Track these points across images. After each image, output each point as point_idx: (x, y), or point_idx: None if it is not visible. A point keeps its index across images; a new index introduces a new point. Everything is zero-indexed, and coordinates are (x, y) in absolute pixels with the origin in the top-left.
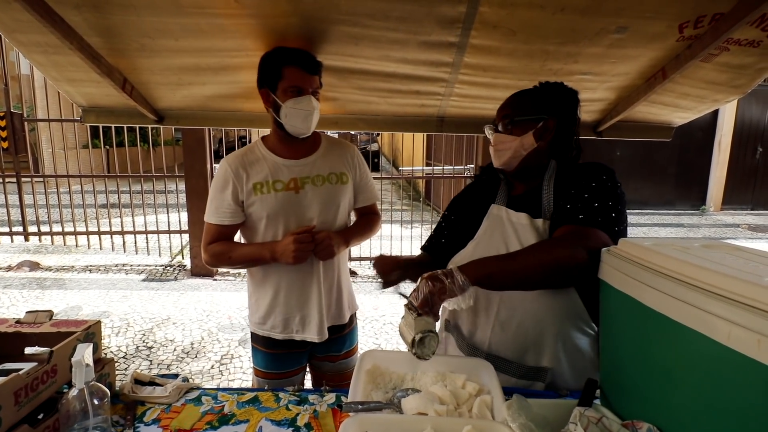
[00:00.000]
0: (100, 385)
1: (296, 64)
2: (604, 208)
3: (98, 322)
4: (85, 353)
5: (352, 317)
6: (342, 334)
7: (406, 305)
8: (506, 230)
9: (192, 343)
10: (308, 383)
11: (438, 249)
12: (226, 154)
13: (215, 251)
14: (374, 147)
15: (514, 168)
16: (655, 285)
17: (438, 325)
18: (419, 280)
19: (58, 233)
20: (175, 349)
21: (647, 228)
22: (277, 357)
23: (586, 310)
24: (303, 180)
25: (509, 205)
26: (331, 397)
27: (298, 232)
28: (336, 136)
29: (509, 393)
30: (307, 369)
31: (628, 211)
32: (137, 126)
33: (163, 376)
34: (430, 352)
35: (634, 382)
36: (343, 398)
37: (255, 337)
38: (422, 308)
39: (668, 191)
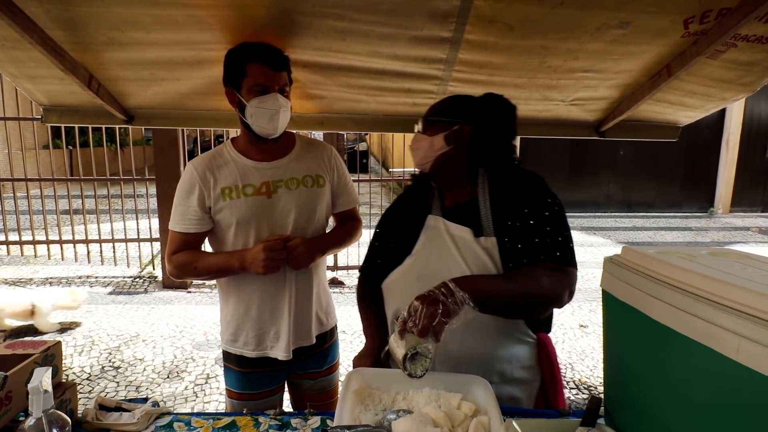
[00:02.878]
0: (60, 413)
1: (260, 60)
2: (567, 240)
3: (58, 343)
4: (42, 378)
5: (333, 330)
6: (322, 348)
7: (396, 318)
8: (446, 243)
9: (164, 363)
10: (287, 403)
11: (375, 271)
12: (187, 163)
13: (180, 261)
14: (362, 147)
15: (428, 170)
16: (660, 296)
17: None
18: (413, 303)
19: (14, 242)
20: (144, 369)
21: (653, 232)
22: (251, 376)
23: (523, 321)
24: (276, 184)
25: (445, 217)
26: (315, 421)
27: (269, 239)
28: (321, 136)
29: (507, 412)
30: (286, 388)
31: (633, 213)
32: (104, 126)
33: (130, 400)
34: (422, 370)
35: (640, 400)
36: (328, 422)
37: (227, 356)
38: (422, 335)
39: (674, 193)
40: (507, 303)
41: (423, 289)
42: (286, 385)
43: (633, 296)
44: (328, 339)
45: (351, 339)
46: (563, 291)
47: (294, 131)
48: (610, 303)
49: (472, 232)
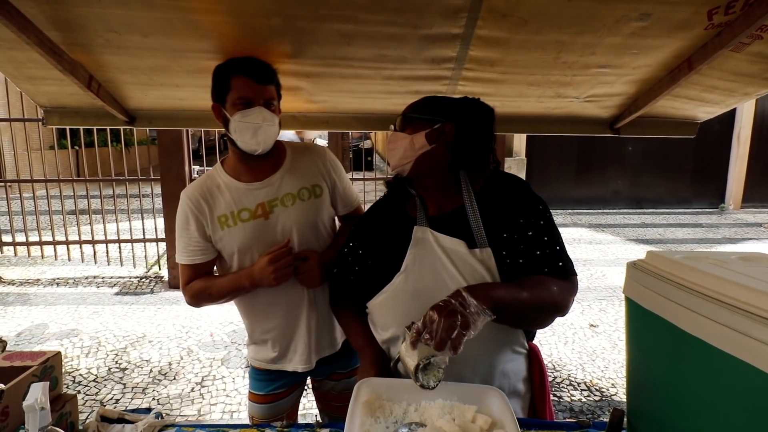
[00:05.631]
0: (58, 430)
1: (244, 73)
2: (563, 247)
3: (58, 354)
4: (39, 395)
5: None
6: (346, 350)
7: (407, 327)
8: (438, 256)
9: (170, 364)
10: (310, 404)
11: (348, 288)
12: (206, 154)
13: (194, 291)
14: (367, 144)
15: (407, 173)
16: (689, 305)
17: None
18: (428, 314)
19: (21, 243)
20: (151, 371)
21: (662, 229)
22: (271, 375)
23: (521, 330)
24: (271, 204)
25: (432, 227)
26: None
27: (272, 251)
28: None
29: (523, 425)
30: (310, 389)
31: (642, 210)
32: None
33: (134, 410)
34: (435, 380)
35: (667, 414)
36: None
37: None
38: (440, 348)
39: (684, 188)
40: (522, 311)
41: (421, 308)
42: (310, 386)
43: (659, 304)
44: (346, 343)
45: None
46: (570, 299)
47: (284, 140)
48: (634, 311)
49: (466, 244)
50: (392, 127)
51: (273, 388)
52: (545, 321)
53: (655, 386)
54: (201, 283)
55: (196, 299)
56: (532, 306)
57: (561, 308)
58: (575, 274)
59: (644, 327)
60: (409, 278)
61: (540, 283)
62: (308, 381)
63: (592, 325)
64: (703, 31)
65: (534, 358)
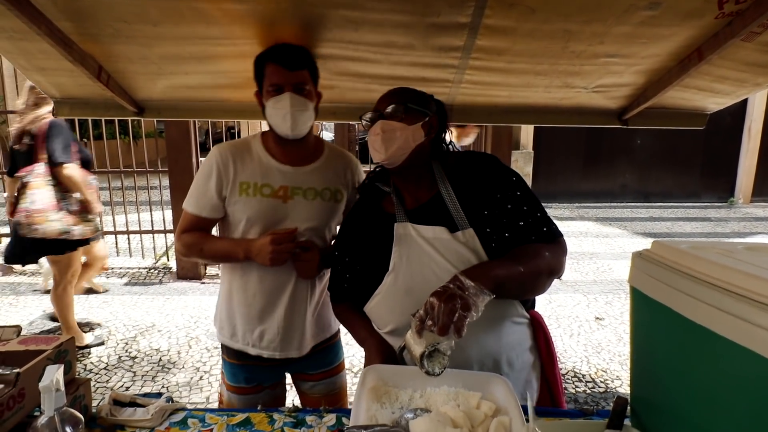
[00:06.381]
0: (72, 411)
1: (274, 60)
2: (544, 212)
3: (72, 339)
4: (54, 376)
5: (334, 335)
6: (320, 348)
7: (413, 315)
8: (423, 249)
9: (179, 353)
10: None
11: (345, 297)
12: (213, 146)
13: (187, 241)
14: None
15: (400, 164)
16: (695, 294)
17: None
18: (429, 301)
19: None
20: (160, 359)
21: (670, 223)
22: (248, 369)
23: (518, 301)
24: (294, 190)
25: (411, 221)
26: (330, 419)
27: (277, 232)
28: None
29: (527, 411)
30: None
31: (650, 204)
32: (116, 118)
33: (145, 395)
34: (440, 367)
35: (671, 402)
36: (344, 420)
37: (227, 350)
38: (443, 333)
39: (693, 182)
40: (520, 284)
41: (416, 304)
42: (293, 386)
43: (665, 293)
44: (327, 340)
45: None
46: (563, 260)
47: (326, 139)
48: (639, 300)
49: (447, 230)
50: (368, 117)
51: (245, 380)
52: (543, 286)
53: (659, 375)
54: (197, 238)
55: (186, 249)
56: (529, 276)
57: (556, 271)
58: (561, 235)
59: (649, 316)
60: (398, 276)
61: (533, 252)
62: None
63: (597, 318)
64: (714, 20)
65: (537, 325)
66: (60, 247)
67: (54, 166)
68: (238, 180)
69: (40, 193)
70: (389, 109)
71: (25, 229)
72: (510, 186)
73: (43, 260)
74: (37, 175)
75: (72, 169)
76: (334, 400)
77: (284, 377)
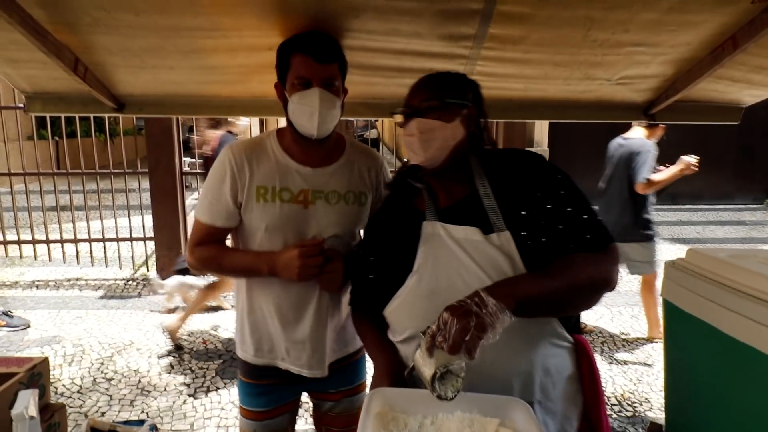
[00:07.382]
0: None
1: (303, 50)
2: (593, 215)
3: (45, 360)
4: (29, 403)
5: (357, 351)
6: (341, 365)
7: (422, 332)
8: (451, 250)
9: (160, 374)
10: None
11: (366, 300)
12: (198, 146)
13: (202, 256)
14: (373, 134)
15: (439, 164)
16: (737, 309)
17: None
18: (442, 315)
19: None
20: (139, 381)
21: (701, 227)
22: (266, 389)
23: (557, 320)
24: (315, 194)
25: (442, 220)
26: None
27: (305, 244)
28: None
29: None
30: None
31: (678, 206)
32: (92, 115)
33: (126, 422)
34: (453, 391)
35: (711, 429)
36: None
37: (246, 368)
38: (453, 352)
39: (726, 182)
40: (555, 302)
41: (438, 309)
42: (309, 404)
43: (702, 307)
44: (349, 357)
45: None
46: (612, 271)
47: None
48: (673, 314)
49: (480, 231)
50: (401, 113)
51: (264, 403)
52: (588, 302)
53: (697, 397)
54: (213, 251)
55: (202, 264)
56: (566, 293)
57: (603, 284)
58: (612, 241)
59: (685, 332)
60: (422, 278)
61: (571, 265)
62: (305, 400)
63: (623, 333)
64: (750, 5)
65: (582, 351)
66: None
67: None
68: (255, 184)
69: None
70: (424, 105)
71: None
72: (552, 184)
73: (169, 280)
74: None
75: None
76: (351, 420)
77: (300, 396)
